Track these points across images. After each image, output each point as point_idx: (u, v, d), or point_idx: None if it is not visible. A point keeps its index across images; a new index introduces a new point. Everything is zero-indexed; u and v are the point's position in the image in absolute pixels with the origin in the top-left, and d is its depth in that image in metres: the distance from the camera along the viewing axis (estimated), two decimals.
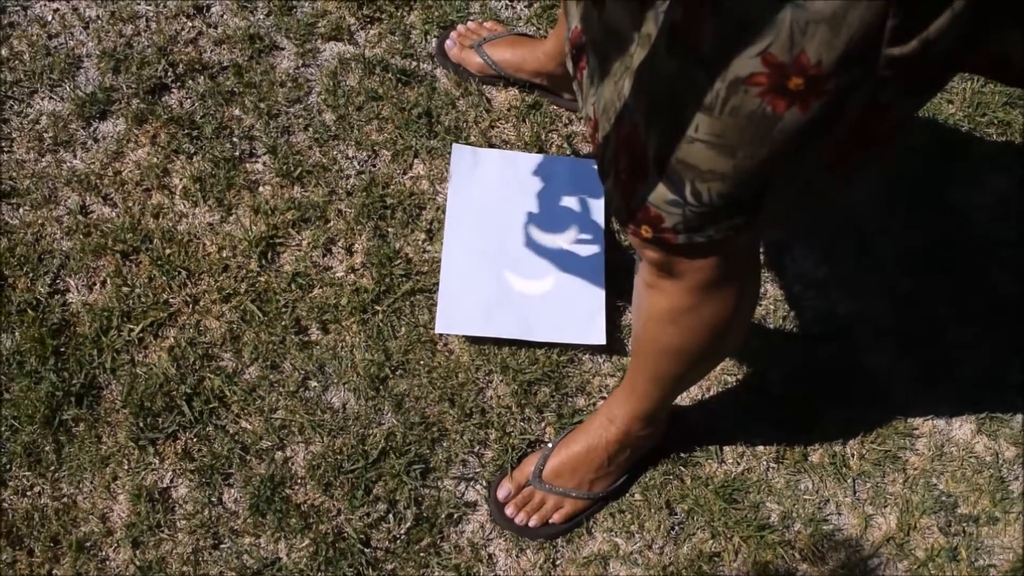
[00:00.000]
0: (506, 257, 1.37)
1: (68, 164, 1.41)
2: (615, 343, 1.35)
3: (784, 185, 0.75)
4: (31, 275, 1.33)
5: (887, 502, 1.30)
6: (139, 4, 1.52)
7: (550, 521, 1.24)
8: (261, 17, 1.54)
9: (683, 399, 1.33)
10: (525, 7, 1.59)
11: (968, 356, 1.39)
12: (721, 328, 0.94)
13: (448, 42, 1.52)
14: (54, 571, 1.19)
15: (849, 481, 1.31)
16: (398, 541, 1.23)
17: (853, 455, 1.32)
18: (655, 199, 0.78)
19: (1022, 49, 0.70)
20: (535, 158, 1.45)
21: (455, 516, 1.25)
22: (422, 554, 1.23)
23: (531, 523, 1.23)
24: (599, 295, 1.35)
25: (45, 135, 1.42)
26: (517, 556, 1.24)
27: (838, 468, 1.31)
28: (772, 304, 1.40)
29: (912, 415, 1.35)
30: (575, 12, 0.87)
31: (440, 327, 1.32)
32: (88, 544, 1.20)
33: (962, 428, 1.35)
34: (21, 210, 1.37)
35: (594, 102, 0.83)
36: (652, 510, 1.27)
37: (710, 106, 0.68)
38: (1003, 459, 1.34)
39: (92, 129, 1.43)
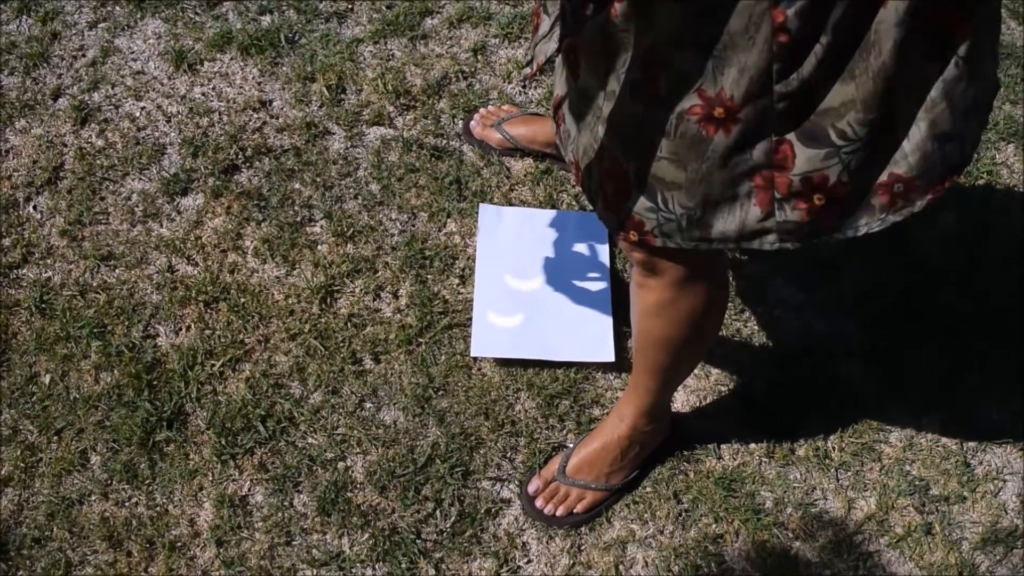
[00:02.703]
0: (527, 293, 1.62)
1: (156, 232, 1.68)
2: (623, 363, 1.57)
3: (727, 205, 0.98)
4: (127, 323, 1.58)
5: (866, 487, 1.50)
6: (212, 101, 1.83)
7: (574, 511, 1.44)
8: (315, 108, 1.83)
9: (683, 406, 1.55)
10: (534, 91, 1.88)
11: (928, 364, 1.60)
12: (698, 318, 1.18)
13: (472, 123, 1.80)
14: (150, 569, 1.40)
15: (832, 471, 1.51)
16: (444, 534, 1.43)
17: (834, 448, 1.53)
18: (637, 208, 1.03)
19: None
20: (550, 213, 1.71)
21: (492, 511, 1.46)
22: (465, 544, 1.43)
23: (558, 513, 1.44)
24: (608, 321, 1.58)
25: (136, 209, 1.70)
26: (547, 543, 1.44)
27: (821, 460, 1.51)
28: (756, 326, 1.63)
29: (883, 414, 1.56)
30: (559, 82, 1.14)
31: (475, 352, 1.55)
32: (179, 545, 1.41)
33: (929, 423, 1.55)
34: (117, 270, 1.64)
35: (573, 149, 1.09)
36: (662, 500, 1.47)
37: (668, 132, 0.94)
38: (967, 447, 1.54)
39: (176, 203, 1.71)
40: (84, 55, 1.87)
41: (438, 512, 1.45)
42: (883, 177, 0.94)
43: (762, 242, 0.99)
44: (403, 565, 1.40)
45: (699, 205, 0.97)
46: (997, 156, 1.82)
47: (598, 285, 1.63)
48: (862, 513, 1.48)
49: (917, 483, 1.50)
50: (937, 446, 1.54)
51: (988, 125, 1.81)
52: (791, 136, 0.90)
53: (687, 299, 1.15)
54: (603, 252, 1.66)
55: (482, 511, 1.45)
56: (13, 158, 1.74)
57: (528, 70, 1.00)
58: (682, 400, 1.56)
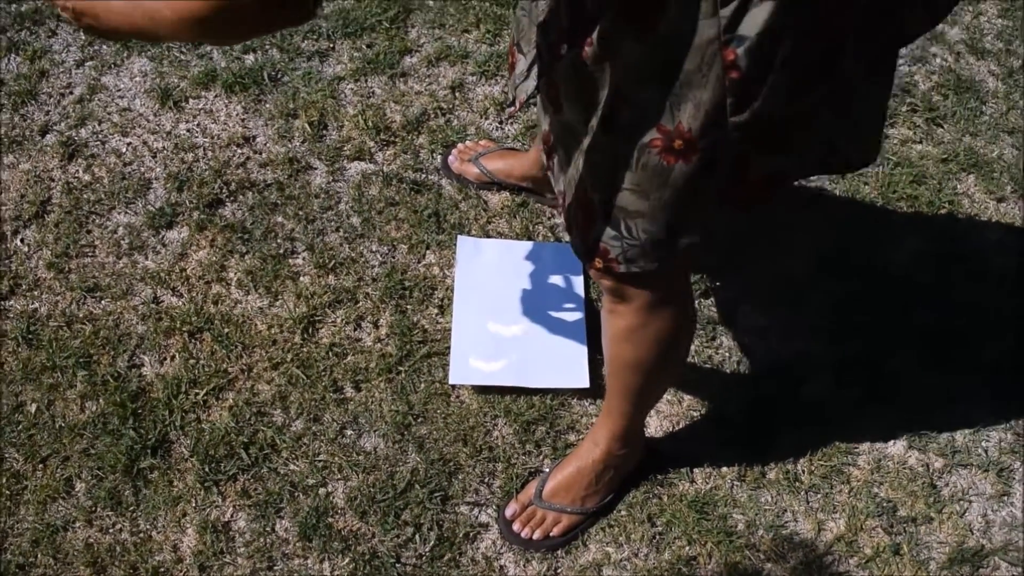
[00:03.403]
0: (503, 322, 1.66)
1: (141, 264, 1.72)
2: (598, 389, 1.61)
3: (689, 227, 1.04)
4: (112, 353, 1.61)
5: (836, 509, 1.54)
6: (197, 137, 1.87)
7: (551, 534, 1.47)
8: (298, 144, 1.88)
9: (657, 431, 1.59)
10: (511, 127, 1.94)
11: (896, 384, 1.65)
12: (666, 342, 1.23)
13: (451, 157, 1.86)
14: None
15: (802, 493, 1.55)
16: (423, 558, 1.46)
17: (804, 471, 1.57)
18: (603, 237, 1.08)
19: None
20: (526, 245, 1.76)
21: (471, 535, 1.49)
22: (444, 568, 1.46)
23: (535, 536, 1.47)
24: (582, 349, 1.62)
25: (122, 242, 1.74)
26: (524, 566, 1.47)
27: (791, 482, 1.55)
28: (727, 352, 1.67)
29: (852, 436, 1.60)
30: (543, 119, 1.20)
31: (453, 379, 1.59)
32: (162, 570, 1.43)
33: (896, 445, 1.60)
34: (103, 302, 1.67)
35: (563, 181, 1.14)
36: (636, 523, 1.50)
37: (631, 165, 0.99)
38: (933, 469, 1.58)
39: (161, 236, 1.75)
40: (71, 92, 1.92)
41: (417, 536, 1.48)
42: None
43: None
44: None
45: (662, 229, 1.02)
46: (959, 186, 1.89)
47: (573, 315, 1.67)
48: (831, 535, 1.52)
49: (885, 505, 1.54)
50: (904, 468, 1.58)
51: (950, 158, 1.89)
52: (750, 151, 0.96)
53: (655, 323, 1.20)
54: (578, 283, 1.71)
55: (460, 535, 1.48)
56: (1, 193, 1.77)
57: (511, 108, 1.06)
58: (656, 425, 1.60)
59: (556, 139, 1.14)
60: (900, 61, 2.06)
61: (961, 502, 1.56)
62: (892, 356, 1.69)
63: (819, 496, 1.55)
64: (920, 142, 1.95)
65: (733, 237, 1.71)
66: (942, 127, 1.97)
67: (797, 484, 1.55)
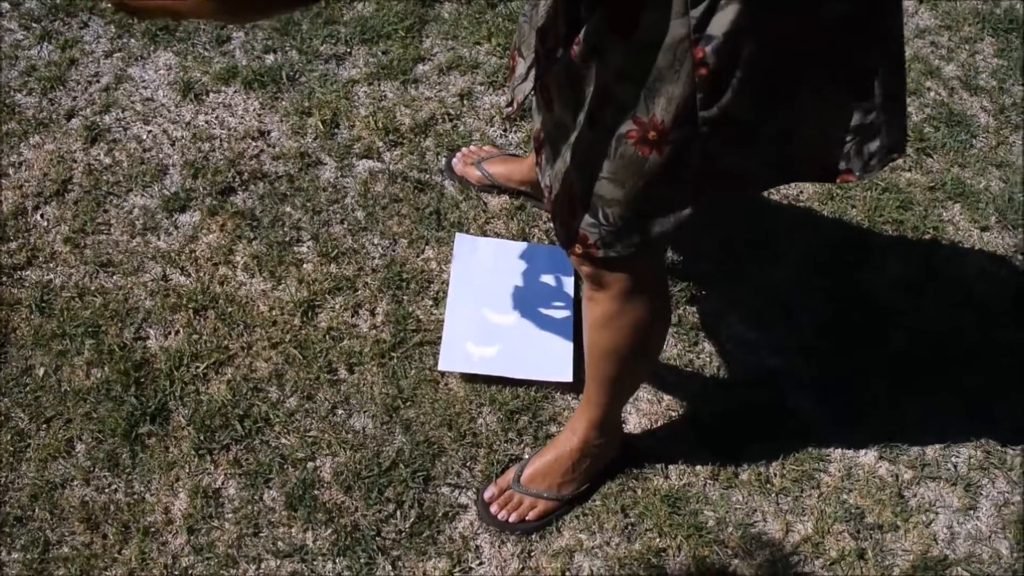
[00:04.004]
0: (495, 315, 1.73)
1: (153, 244, 1.80)
2: (580, 385, 1.66)
3: (660, 215, 1.11)
4: (120, 325, 1.69)
5: (804, 512, 1.59)
6: (215, 128, 1.96)
7: (527, 518, 1.53)
8: (310, 140, 1.97)
9: (635, 428, 1.65)
10: (514, 135, 2.02)
11: (871, 400, 1.71)
12: (641, 330, 1.29)
13: (455, 160, 1.94)
14: (123, 551, 1.48)
15: (772, 495, 1.60)
16: (403, 533, 1.52)
17: (776, 474, 1.62)
18: (583, 224, 1.15)
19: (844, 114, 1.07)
20: (521, 245, 1.83)
21: (450, 515, 1.54)
22: (422, 544, 1.51)
23: (511, 519, 1.52)
24: (568, 345, 1.69)
25: (137, 222, 1.82)
26: (499, 547, 1.52)
27: (763, 484, 1.60)
28: (708, 358, 1.73)
29: (825, 445, 1.65)
30: (536, 117, 1.27)
31: (442, 366, 1.66)
32: (152, 530, 1.50)
33: (867, 455, 1.65)
34: (115, 277, 1.75)
35: (549, 175, 1.21)
36: (610, 513, 1.56)
37: (609, 155, 1.06)
38: (902, 480, 1.63)
39: (174, 219, 1.83)
40: (99, 81, 2.02)
41: (398, 513, 1.54)
42: None
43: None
44: (362, 560, 1.48)
45: (636, 215, 1.09)
46: (944, 214, 1.95)
47: (561, 312, 1.74)
48: (799, 536, 1.57)
49: (853, 511, 1.59)
50: (874, 477, 1.63)
51: (937, 186, 1.95)
52: (718, 147, 1.03)
53: (631, 311, 1.26)
54: (568, 283, 1.78)
55: (440, 514, 1.54)
56: (25, 170, 1.87)
57: (509, 109, 1.13)
58: (634, 423, 1.66)
59: (547, 135, 1.21)
60: None
61: (928, 513, 1.61)
62: (869, 373, 1.74)
63: (789, 499, 1.60)
64: (909, 170, 2.01)
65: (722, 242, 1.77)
66: (931, 157, 2.04)
67: (768, 486, 1.61)
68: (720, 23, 0.92)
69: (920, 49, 2.23)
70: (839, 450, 1.65)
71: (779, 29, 0.95)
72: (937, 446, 1.67)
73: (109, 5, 1.03)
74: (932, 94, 2.15)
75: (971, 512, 1.62)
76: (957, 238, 1.92)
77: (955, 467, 1.66)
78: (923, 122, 2.09)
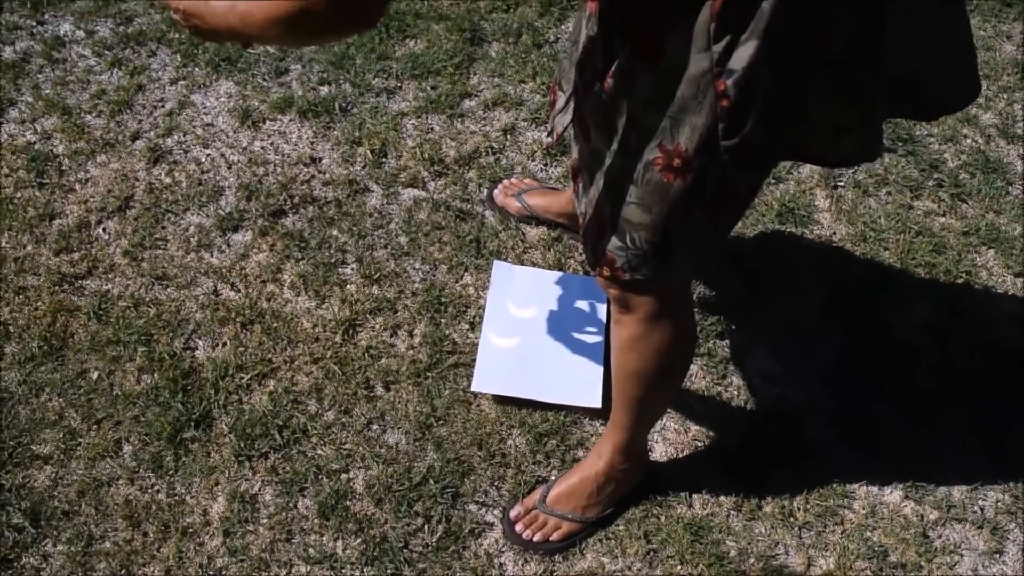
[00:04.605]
0: (528, 340, 1.78)
1: (207, 260, 1.89)
2: (609, 411, 1.70)
3: (684, 239, 1.16)
4: (171, 335, 1.77)
5: (827, 547, 1.60)
6: (269, 154, 2.06)
7: (551, 539, 1.56)
8: (359, 168, 2.05)
9: (661, 456, 1.68)
10: (554, 169, 2.09)
11: (897, 438, 1.72)
12: (666, 354, 1.33)
13: (496, 191, 2.01)
14: (162, 549, 1.55)
15: (795, 528, 1.62)
16: (429, 547, 1.56)
17: (799, 508, 1.63)
18: (610, 247, 1.20)
19: (849, 115, 1.12)
20: (556, 275, 1.89)
21: (476, 531, 1.58)
22: (447, 558, 1.55)
23: (535, 538, 1.56)
24: (598, 371, 1.73)
25: (192, 239, 1.91)
26: (523, 566, 1.56)
27: (786, 517, 1.62)
28: (736, 391, 1.76)
29: (849, 481, 1.67)
30: (574, 147, 1.33)
31: (475, 387, 1.71)
32: (191, 531, 1.56)
33: (892, 494, 1.66)
34: (169, 289, 1.84)
35: (585, 202, 1.27)
36: (633, 538, 1.58)
37: (636, 180, 1.12)
38: (927, 520, 1.64)
39: (227, 238, 1.92)
40: (163, 106, 2.13)
41: (426, 527, 1.58)
42: None
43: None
44: (389, 571, 1.53)
45: (661, 240, 1.15)
46: (977, 259, 1.97)
47: (593, 339, 1.78)
48: (820, 571, 1.58)
49: (876, 548, 1.60)
50: (898, 516, 1.64)
51: (971, 231, 1.98)
52: (734, 171, 1.08)
53: (657, 334, 1.31)
54: (601, 311, 1.83)
55: (466, 530, 1.58)
56: (91, 186, 1.98)
57: (549, 139, 1.19)
58: (661, 451, 1.69)
59: (583, 164, 1.27)
60: (931, 140, 2.17)
61: (952, 555, 1.61)
62: (896, 412, 1.75)
63: (812, 533, 1.61)
64: (943, 215, 2.04)
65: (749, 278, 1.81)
66: (966, 203, 2.06)
67: (791, 519, 1.62)
68: (740, 58, 0.98)
69: None
70: (864, 487, 1.67)
71: (793, 59, 1.00)
72: (964, 488, 1.68)
73: (183, 28, 1.12)
74: (969, 141, 2.18)
75: (997, 556, 1.61)
76: (990, 283, 1.94)
77: (982, 510, 1.66)
78: (959, 168, 2.12)
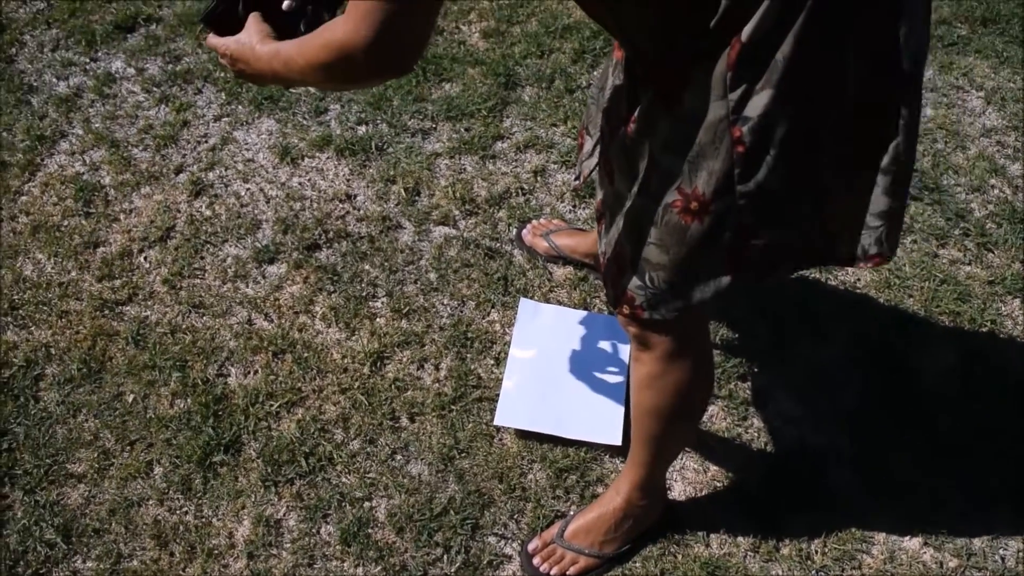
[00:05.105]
0: (551, 376, 1.81)
1: (242, 291, 1.95)
2: (629, 449, 1.73)
3: (702, 280, 1.19)
4: (205, 361, 1.83)
5: None
6: (307, 190, 2.13)
7: (567, 573, 1.58)
8: (392, 205, 2.12)
9: (680, 495, 1.69)
10: (582, 211, 2.14)
11: (917, 485, 1.72)
12: (684, 392, 1.36)
13: (525, 231, 2.06)
14: (187, 569, 1.58)
15: (813, 572, 1.62)
16: None
17: (817, 551, 1.64)
18: (631, 286, 1.24)
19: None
20: (581, 313, 1.93)
21: (494, 563, 1.61)
22: None
23: (552, 572, 1.58)
24: (619, 409, 1.76)
25: (229, 270, 1.98)
26: None
27: (803, 560, 1.63)
28: (756, 432, 1.78)
29: (868, 526, 1.67)
30: (599, 189, 1.38)
31: (498, 421, 1.74)
32: (216, 552, 1.60)
33: (911, 540, 1.66)
34: (204, 317, 1.90)
35: (605, 241, 1.31)
36: None
37: (656, 222, 1.16)
38: (947, 567, 1.63)
39: (262, 269, 1.99)
40: (207, 141, 2.21)
41: (445, 557, 1.61)
42: None
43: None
44: None
45: (679, 281, 1.18)
46: (1003, 308, 1.97)
47: (615, 378, 1.81)
48: None
49: None
50: (917, 562, 1.64)
51: (997, 281, 1.98)
52: (752, 219, 1.11)
53: (675, 372, 1.34)
54: (623, 350, 1.85)
55: (484, 562, 1.60)
56: (135, 216, 2.06)
57: (576, 182, 1.23)
58: (679, 490, 1.71)
59: (607, 206, 1.32)
60: (958, 189, 2.19)
61: None
62: (917, 458, 1.76)
63: None
64: (969, 264, 2.05)
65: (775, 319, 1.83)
66: (992, 252, 2.07)
67: (809, 562, 1.63)
68: (756, 106, 1.02)
69: (986, 148, 2.28)
70: (883, 533, 1.66)
71: (809, 111, 1.04)
72: (985, 537, 1.67)
73: (228, 71, 1.17)
74: (996, 191, 2.19)
75: None
76: (1015, 332, 1.94)
77: (1003, 559, 1.65)
78: (985, 218, 2.13)
